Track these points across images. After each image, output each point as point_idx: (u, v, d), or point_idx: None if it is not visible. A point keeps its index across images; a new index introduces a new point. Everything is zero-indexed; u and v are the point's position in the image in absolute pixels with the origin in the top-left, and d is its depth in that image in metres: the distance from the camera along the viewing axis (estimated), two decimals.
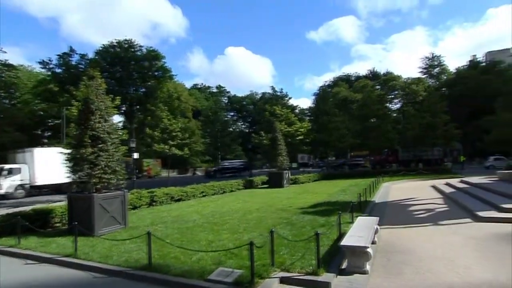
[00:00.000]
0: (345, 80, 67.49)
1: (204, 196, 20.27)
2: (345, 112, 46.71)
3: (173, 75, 50.56)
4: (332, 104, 48.14)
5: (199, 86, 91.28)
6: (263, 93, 70.91)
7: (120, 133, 21.79)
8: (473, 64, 62.01)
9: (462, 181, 19.14)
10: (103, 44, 44.14)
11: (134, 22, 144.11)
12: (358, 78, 66.85)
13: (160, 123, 34.58)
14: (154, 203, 16.30)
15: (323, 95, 53.86)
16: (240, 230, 9.53)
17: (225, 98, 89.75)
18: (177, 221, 11.49)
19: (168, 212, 14.05)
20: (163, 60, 46.36)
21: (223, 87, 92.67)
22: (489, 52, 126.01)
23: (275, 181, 26.23)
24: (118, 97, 20.97)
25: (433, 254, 6.71)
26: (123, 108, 45.07)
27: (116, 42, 44.08)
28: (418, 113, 42.21)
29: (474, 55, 66.76)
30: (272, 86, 68.55)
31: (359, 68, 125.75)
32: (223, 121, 55.62)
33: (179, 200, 18.10)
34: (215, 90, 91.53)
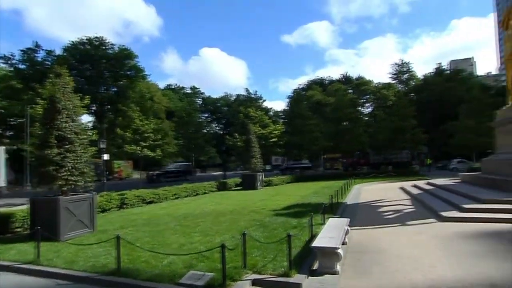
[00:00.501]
0: (319, 83, 68.74)
1: (176, 198, 19.97)
2: (318, 115, 47.54)
3: (146, 75, 49.63)
4: (306, 107, 48.87)
5: (173, 87, 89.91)
6: (238, 95, 70.87)
7: (90, 134, 21.09)
8: (439, 71, 65.00)
9: (428, 183, 19.94)
10: (72, 41, 42.57)
11: (106, 19, 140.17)
12: (332, 82, 68.32)
13: (131, 124, 33.75)
14: (124, 206, 15.86)
15: (297, 98, 54.54)
16: (212, 233, 9.45)
17: (200, 99, 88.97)
18: (148, 224, 11.23)
19: (139, 215, 13.72)
20: (135, 59, 45.37)
21: (197, 88, 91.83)
22: (453, 60, 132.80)
23: (248, 183, 26.26)
24: (87, 96, 20.29)
25: (400, 253, 6.94)
26: (93, 108, 43.63)
27: (86, 39, 42.61)
28: (388, 117, 43.71)
29: (440, 63, 69.96)
30: (246, 88, 68.62)
31: (333, 72, 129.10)
32: (197, 123, 55.05)
33: (151, 202, 17.73)
34: (189, 91, 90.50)
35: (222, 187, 26.04)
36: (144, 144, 31.89)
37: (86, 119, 50.29)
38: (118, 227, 10.90)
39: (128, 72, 45.54)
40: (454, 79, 58.68)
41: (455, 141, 40.32)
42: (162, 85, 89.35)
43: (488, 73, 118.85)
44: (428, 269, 5.88)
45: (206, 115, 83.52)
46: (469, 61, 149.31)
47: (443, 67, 68.52)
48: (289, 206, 14.67)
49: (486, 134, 19.01)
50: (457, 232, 8.54)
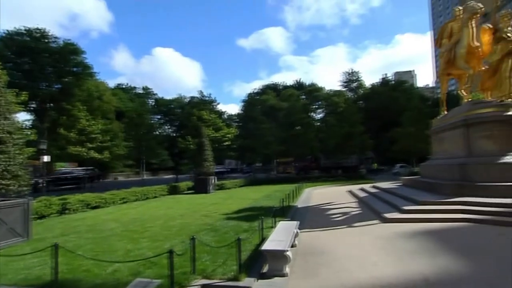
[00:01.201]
0: (273, 88, 69.86)
1: (125, 202, 19.13)
2: (272, 120, 48.33)
3: (94, 72, 46.84)
4: (260, 111, 49.46)
5: (123, 86, 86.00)
6: (192, 97, 69.51)
7: (27, 133, 19.45)
8: (385, 81, 69.40)
9: (373, 186, 21.14)
10: (8, 30, 38.90)
11: (50, 10, 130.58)
12: (286, 87, 69.77)
13: (77, 124, 31.75)
14: (66, 211, 14.83)
15: (251, 102, 55.04)
16: (161, 238, 9.18)
17: (152, 100, 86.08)
18: (92, 230, 10.60)
19: (83, 220, 12.90)
20: (82, 55, 42.60)
21: (149, 88, 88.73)
22: (397, 72, 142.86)
23: (200, 187, 25.93)
24: (25, 92, 18.74)
25: (346, 253, 7.25)
26: (33, 105, 40.23)
27: (25, 30, 39.21)
28: (338, 123, 45.69)
29: (385, 74, 74.76)
30: (200, 91, 67.79)
31: (287, 78, 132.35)
32: (149, 124, 53.21)
33: (96, 207, 16.77)
34: (141, 91, 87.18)
35: (174, 190, 25.41)
36: (91, 145, 30.14)
37: (24, 117, 46.35)
38: (58, 234, 10.15)
39: (74, 69, 42.56)
40: (398, 89, 62.99)
41: (398, 147, 43.19)
42: (112, 84, 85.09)
43: (426, 85, 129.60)
44: (371, 268, 6.22)
45: (159, 116, 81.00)
46: (410, 74, 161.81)
47: (388, 78, 73.25)
48: (241, 210, 14.70)
49: (425, 141, 20.64)
50: (397, 232, 9.14)
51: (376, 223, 10.72)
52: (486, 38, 15.28)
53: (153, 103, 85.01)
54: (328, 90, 67.45)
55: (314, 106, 64.20)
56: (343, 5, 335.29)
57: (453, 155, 15.34)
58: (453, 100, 24.38)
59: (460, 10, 16.10)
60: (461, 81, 17.58)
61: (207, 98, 54.79)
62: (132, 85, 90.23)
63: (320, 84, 76.70)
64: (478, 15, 14.89)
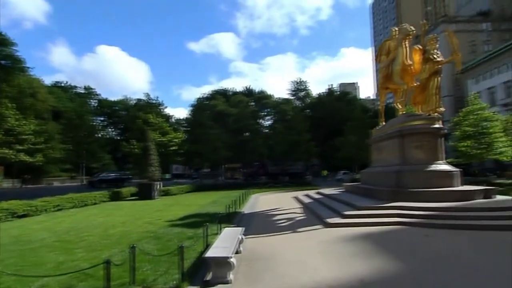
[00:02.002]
0: (223, 94, 69.95)
1: (59, 210, 17.73)
2: (220, 125, 48.26)
3: (26, 67, 43.00)
4: (209, 116, 49.13)
5: (62, 85, 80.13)
6: (138, 100, 66.90)
7: None
8: (330, 92, 73.06)
9: (318, 193, 21.98)
10: None
11: None
12: (235, 93, 70.27)
13: (3, 123, 28.86)
14: None
15: (200, 106, 54.54)
16: (99, 248, 8.65)
17: (94, 101, 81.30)
18: (18, 242, 9.65)
19: (7, 231, 11.67)
20: (12, 47, 38.84)
21: (92, 88, 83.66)
22: (341, 83, 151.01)
23: (145, 193, 24.95)
24: None
25: (289, 258, 7.43)
26: None
27: None
28: (286, 130, 46.97)
29: (331, 85, 78.97)
30: (147, 93, 65.68)
31: (236, 84, 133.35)
32: (90, 126, 50.11)
33: (24, 216, 15.29)
34: (82, 90, 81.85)
35: (116, 196, 24.14)
36: (20, 147, 27.53)
37: None
38: None
39: (3, 62, 38.71)
40: (342, 100, 66.66)
41: (341, 155, 45.51)
42: (48, 81, 78.96)
43: (368, 97, 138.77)
44: (313, 272, 6.44)
45: (102, 118, 76.71)
46: (354, 85, 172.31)
47: (333, 89, 77.20)
48: (186, 216, 14.40)
49: (366, 149, 22.06)
50: (338, 236, 9.59)
51: (319, 228, 11.15)
52: (417, 57, 16.84)
53: (96, 104, 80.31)
54: (276, 98, 69.18)
55: (262, 113, 65.39)
56: (294, 16, 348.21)
57: (390, 163, 16.54)
58: (390, 112, 26.37)
59: (396, 30, 17.59)
60: (397, 95, 19.12)
61: (154, 101, 53.14)
62: (73, 84, 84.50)
63: (269, 91, 78.45)
64: (411, 37, 16.42)
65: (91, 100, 79.89)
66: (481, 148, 28.56)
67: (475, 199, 13.24)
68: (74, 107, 52.38)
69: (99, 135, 57.39)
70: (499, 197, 14.23)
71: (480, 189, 13.97)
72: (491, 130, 28.75)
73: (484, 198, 13.60)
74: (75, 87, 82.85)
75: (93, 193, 22.14)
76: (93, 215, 15.79)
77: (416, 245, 8.34)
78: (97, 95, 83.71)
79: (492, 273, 6.06)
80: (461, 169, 15.46)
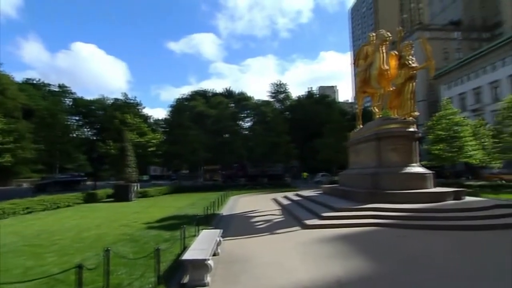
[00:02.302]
0: (202, 95, 69.42)
1: (29, 213, 17.02)
2: (200, 126, 47.86)
3: None
4: (188, 117, 48.63)
5: (34, 82, 77.13)
6: (115, 99, 65.31)
7: None
8: (310, 94, 73.94)
9: (296, 194, 22.14)
10: None
11: None
12: (215, 94, 69.90)
13: None
14: None
15: (179, 107, 53.89)
16: (71, 251, 8.37)
17: (69, 99, 78.66)
18: None
19: None
20: None
21: (66, 86, 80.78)
22: (321, 86, 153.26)
23: (121, 195, 24.38)
24: None
25: (267, 260, 7.43)
26: None
27: None
28: (266, 132, 47.11)
29: (311, 87, 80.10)
30: (124, 93, 64.20)
31: (216, 85, 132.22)
32: (64, 126, 48.39)
33: None
34: (56, 89, 79.01)
35: (91, 198, 23.44)
36: None
37: None
38: None
39: None
40: (321, 103, 67.59)
41: (320, 157, 46.07)
42: (19, 78, 75.68)
43: (346, 100, 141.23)
44: (291, 273, 6.46)
45: (77, 118, 74.31)
46: (333, 89, 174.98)
47: (313, 91, 78.16)
48: (164, 219, 14.17)
49: (344, 152, 22.44)
50: (316, 238, 9.68)
51: (297, 230, 11.22)
52: (393, 63, 17.32)
53: (71, 103, 77.77)
54: (256, 100, 69.35)
55: (242, 115, 65.37)
56: (275, 19, 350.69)
57: (366, 165, 16.89)
58: (368, 115, 26.94)
59: (373, 36, 18.04)
60: (374, 99, 19.57)
61: (132, 101, 52.09)
62: (46, 82, 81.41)
63: (249, 93, 78.50)
64: (387, 42, 16.87)
65: (66, 99, 77.25)
66: (452, 151, 29.64)
67: (447, 201, 13.72)
68: (47, 106, 50.39)
69: (74, 135, 55.50)
70: (468, 198, 14.82)
71: (451, 191, 14.49)
72: (461, 134, 29.91)
73: (455, 199, 14.13)
74: (49, 84, 79.90)
75: (66, 195, 21.43)
76: (66, 218, 15.27)
77: (391, 245, 8.54)
78: (72, 93, 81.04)
79: (464, 272, 6.28)
80: (434, 172, 15.99)
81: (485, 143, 31.14)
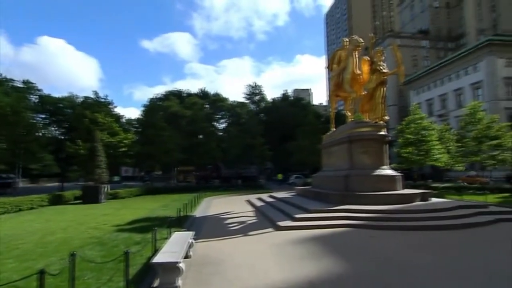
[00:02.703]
0: (177, 95, 68.25)
1: None
2: (174, 127, 47.09)
3: None
4: (162, 117, 47.75)
5: None
6: (86, 97, 62.96)
7: None
8: (285, 97, 74.58)
9: (270, 196, 22.24)
10: None
11: None
12: (190, 95, 68.92)
13: None
14: None
15: (153, 107, 52.81)
16: (34, 257, 7.95)
17: (35, 96, 74.99)
18: None
19: None
20: None
21: (32, 83, 76.83)
22: (296, 89, 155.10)
23: (90, 196, 23.52)
24: None
25: (240, 262, 7.38)
26: None
27: None
28: (240, 134, 47.04)
29: (286, 90, 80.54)
30: (95, 91, 61.96)
31: (192, 85, 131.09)
32: (29, 124, 46.12)
33: None
34: (20, 85, 75.11)
35: (57, 200, 22.46)
36: None
37: None
38: None
39: None
40: (296, 105, 68.31)
41: (294, 159, 46.53)
42: None
43: (320, 103, 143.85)
44: (263, 275, 6.44)
45: (43, 116, 70.90)
46: (307, 91, 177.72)
47: (288, 94, 78.89)
48: (135, 221, 13.80)
49: (318, 154, 22.78)
50: (289, 239, 9.74)
51: (271, 231, 11.24)
52: (366, 68, 17.83)
53: (37, 100, 74.20)
54: (232, 101, 69.11)
55: (217, 116, 64.93)
56: (251, 20, 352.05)
57: (339, 167, 17.23)
58: (341, 118, 27.49)
59: (347, 41, 18.47)
60: (347, 103, 20.03)
61: (103, 100, 50.37)
62: (8, 77, 77.28)
63: (224, 94, 78.23)
64: (360, 48, 17.35)
65: (31, 96, 73.64)
66: (420, 154, 30.86)
67: (415, 202, 14.24)
68: (9, 102, 47.83)
69: (40, 133, 53.04)
70: (434, 200, 15.46)
71: (419, 193, 15.06)
72: (428, 138, 31.21)
73: (422, 200, 14.69)
74: (12, 80, 75.70)
75: (29, 197, 20.42)
76: (29, 221, 14.54)
77: (362, 246, 8.73)
78: (38, 90, 77.34)
79: (430, 270, 6.52)
80: (403, 174, 16.56)
81: (450, 147, 32.62)
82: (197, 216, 15.68)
